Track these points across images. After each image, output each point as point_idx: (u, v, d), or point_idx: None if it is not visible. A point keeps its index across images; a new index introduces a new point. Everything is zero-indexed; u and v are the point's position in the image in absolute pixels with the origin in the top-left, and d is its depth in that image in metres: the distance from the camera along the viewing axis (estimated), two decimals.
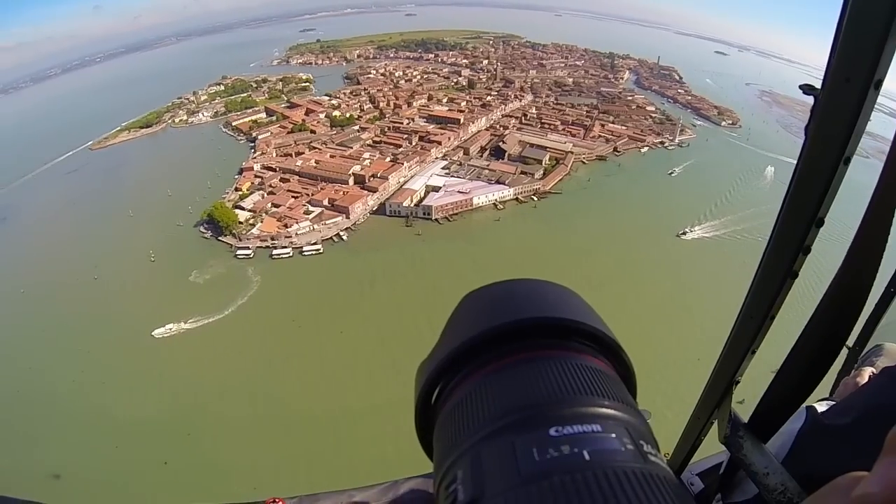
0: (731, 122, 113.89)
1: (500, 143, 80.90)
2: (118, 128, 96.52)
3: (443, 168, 74.69)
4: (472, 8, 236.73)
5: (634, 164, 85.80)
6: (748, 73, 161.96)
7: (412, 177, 72.61)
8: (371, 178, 70.50)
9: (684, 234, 65.62)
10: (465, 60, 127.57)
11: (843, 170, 1.40)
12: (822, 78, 1.35)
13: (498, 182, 70.81)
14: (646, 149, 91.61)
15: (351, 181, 70.77)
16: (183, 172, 77.87)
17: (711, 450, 2.23)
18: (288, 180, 72.68)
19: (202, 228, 65.00)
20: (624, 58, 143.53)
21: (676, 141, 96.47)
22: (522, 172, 73.32)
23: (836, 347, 1.55)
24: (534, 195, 71.15)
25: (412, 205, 65.68)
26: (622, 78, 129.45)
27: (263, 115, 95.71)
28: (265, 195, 70.20)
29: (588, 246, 60.13)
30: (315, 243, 61.44)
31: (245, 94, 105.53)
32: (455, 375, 0.59)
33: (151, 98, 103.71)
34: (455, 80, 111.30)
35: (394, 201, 66.06)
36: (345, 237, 62.91)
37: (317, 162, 75.84)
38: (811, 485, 1.20)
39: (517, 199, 69.98)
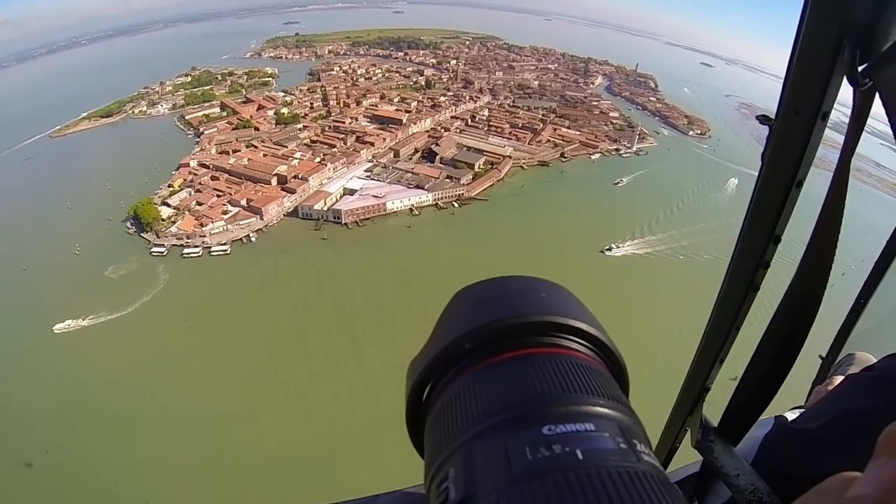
0: (699, 132, 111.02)
1: (434, 146, 79.14)
2: (80, 116, 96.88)
3: (366, 171, 73.21)
4: (462, 8, 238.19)
5: (580, 171, 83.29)
6: (731, 85, 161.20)
7: (334, 179, 71.48)
8: (293, 179, 69.73)
9: (609, 249, 62.58)
10: (432, 60, 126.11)
11: (795, 192, 1.55)
12: (776, 109, 1.49)
13: (417, 187, 68.91)
14: (597, 156, 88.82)
15: (274, 181, 69.98)
16: (126, 165, 77.96)
17: (687, 459, 2.23)
18: (218, 178, 72.44)
19: (128, 224, 65.10)
20: (602, 63, 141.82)
21: (634, 149, 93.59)
22: (448, 177, 71.37)
23: (794, 352, 1.63)
24: (456, 201, 69.07)
25: (325, 208, 64.52)
26: (593, 83, 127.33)
27: (218, 109, 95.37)
28: (192, 193, 70.17)
29: (495, 259, 57.45)
30: (224, 244, 61.00)
31: (207, 87, 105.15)
32: (447, 372, 0.58)
33: (121, 86, 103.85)
34: (415, 80, 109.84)
35: (307, 204, 65.10)
36: (254, 239, 62.24)
37: (249, 160, 75.47)
38: (780, 485, 1.27)
39: (436, 205, 68.00)
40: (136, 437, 37.74)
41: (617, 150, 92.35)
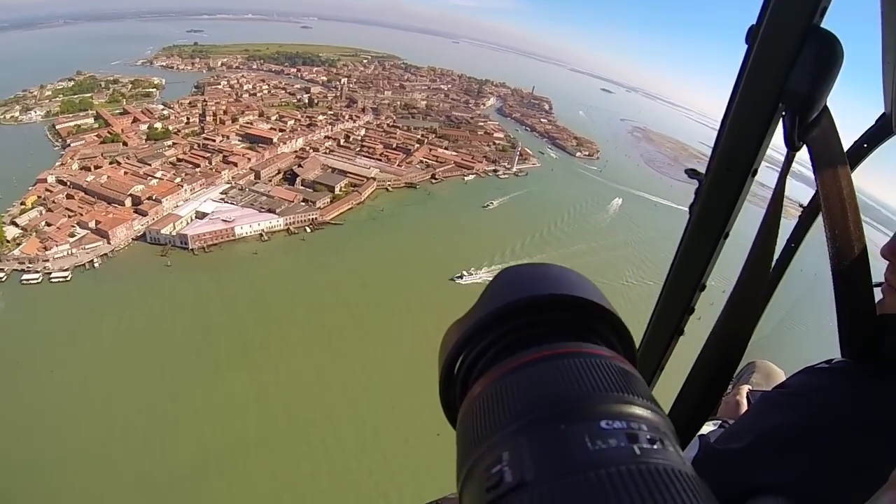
0: (587, 153, 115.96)
1: (297, 167, 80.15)
2: None
3: (221, 192, 73.28)
4: (373, 27, 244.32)
5: (450, 193, 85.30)
6: (628, 110, 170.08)
7: (191, 200, 71.45)
8: (147, 201, 69.28)
9: (460, 277, 62.33)
10: (323, 77, 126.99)
11: (722, 243, 1.66)
12: (706, 164, 1.59)
13: (270, 211, 69.33)
14: (471, 177, 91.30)
15: (128, 202, 69.00)
16: None
17: None
18: (73, 197, 70.83)
19: None
20: (499, 86, 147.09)
21: (514, 169, 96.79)
22: (305, 200, 72.18)
23: (726, 379, 1.69)
24: (309, 226, 69.72)
25: (173, 232, 64.62)
26: (484, 104, 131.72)
27: (92, 120, 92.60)
28: (43, 212, 68.48)
29: (335, 288, 58.95)
30: (66, 270, 59.64)
31: (88, 95, 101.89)
32: (490, 344, 0.60)
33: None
34: (299, 98, 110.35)
35: (155, 227, 64.99)
36: (97, 264, 61.28)
37: (108, 178, 74.37)
38: None
39: (288, 229, 68.45)
40: None
41: (495, 170, 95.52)
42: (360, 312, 54.99)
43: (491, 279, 0.70)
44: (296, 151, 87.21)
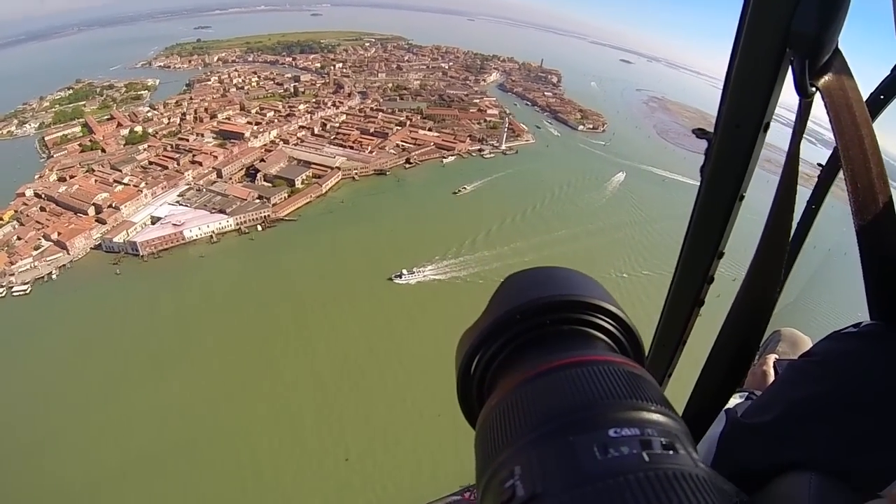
0: (591, 126, 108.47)
1: (260, 162, 77.39)
2: None
3: (179, 195, 71.47)
4: (385, 10, 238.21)
5: (423, 178, 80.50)
6: (646, 80, 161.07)
7: (150, 204, 70.37)
8: (108, 209, 68.85)
9: (399, 276, 57.68)
10: (318, 64, 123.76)
11: (738, 206, 1.59)
12: (714, 123, 1.52)
13: (220, 211, 66.91)
14: (451, 159, 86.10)
15: (91, 211, 68.75)
16: None
17: None
18: (45, 209, 71.78)
19: None
20: (506, 60, 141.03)
21: (503, 147, 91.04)
22: (260, 197, 69.40)
23: (751, 352, 1.65)
24: (261, 224, 67.02)
25: (125, 239, 63.71)
26: (485, 80, 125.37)
27: (78, 129, 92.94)
28: (16, 226, 69.62)
29: (268, 292, 55.91)
30: (26, 283, 59.86)
31: (82, 103, 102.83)
32: (503, 345, 0.62)
33: (2, 102, 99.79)
34: (286, 87, 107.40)
35: (109, 236, 64.25)
36: (55, 276, 61.30)
37: (78, 188, 74.57)
38: (739, 483, 1.24)
39: (239, 229, 65.97)
40: None
41: (480, 150, 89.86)
42: (281, 320, 51.96)
43: (499, 283, 0.71)
44: (265, 145, 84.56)
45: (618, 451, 0.43)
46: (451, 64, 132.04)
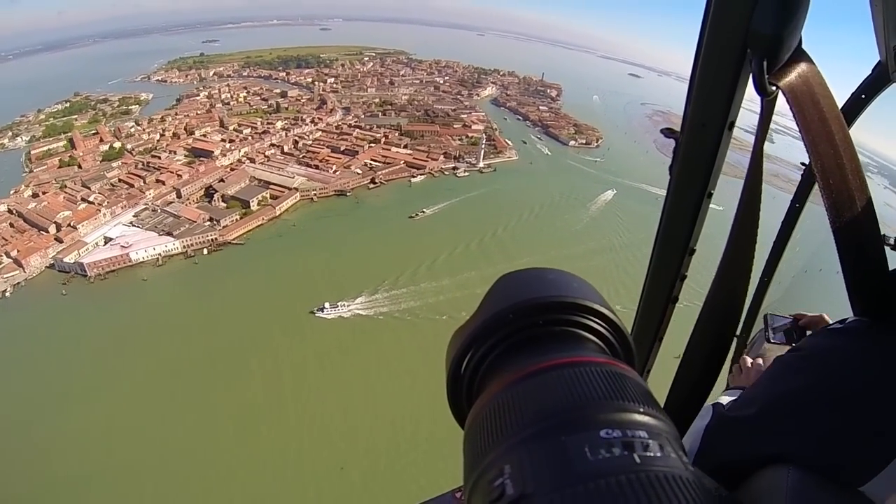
0: (584, 141, 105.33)
1: (220, 182, 77.07)
2: None
3: (134, 215, 71.56)
4: (397, 25, 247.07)
5: (385, 199, 78.51)
6: (654, 94, 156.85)
7: (107, 223, 70.65)
8: (66, 227, 69.60)
9: (321, 310, 55.49)
10: (310, 79, 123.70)
11: (706, 203, 1.63)
12: (681, 123, 1.56)
13: (168, 233, 66.59)
14: (421, 178, 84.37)
15: (52, 229, 69.29)
16: None
17: None
18: (14, 225, 73.02)
19: None
20: (507, 74, 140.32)
21: (480, 165, 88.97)
22: (211, 219, 68.95)
23: (726, 345, 1.68)
24: (207, 247, 66.32)
25: (75, 259, 64.11)
26: (479, 94, 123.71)
27: (62, 143, 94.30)
28: None
29: (190, 323, 54.75)
30: None
31: (73, 117, 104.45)
32: (494, 344, 0.62)
33: (3, 113, 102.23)
34: (271, 103, 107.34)
35: (60, 255, 64.74)
36: (8, 294, 61.92)
37: (45, 205, 75.66)
38: (723, 477, 1.28)
39: (185, 252, 65.48)
40: None
41: (455, 168, 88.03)
42: (194, 354, 50.70)
43: (491, 285, 0.70)
44: (231, 164, 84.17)
45: (609, 451, 0.43)
46: (445, 78, 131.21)
